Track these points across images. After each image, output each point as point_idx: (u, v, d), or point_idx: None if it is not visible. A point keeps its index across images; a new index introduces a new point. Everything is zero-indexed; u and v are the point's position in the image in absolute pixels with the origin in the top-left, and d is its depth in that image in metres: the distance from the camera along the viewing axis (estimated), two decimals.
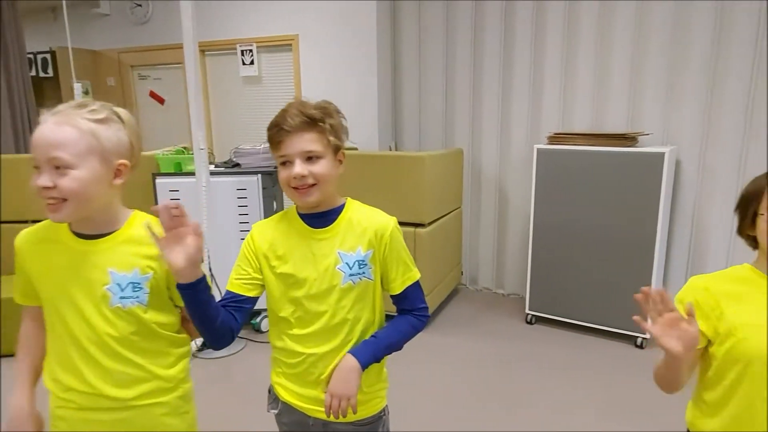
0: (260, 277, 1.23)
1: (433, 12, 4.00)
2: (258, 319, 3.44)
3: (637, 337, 3.23)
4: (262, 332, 3.41)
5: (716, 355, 1.11)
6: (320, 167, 1.16)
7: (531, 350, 3.25)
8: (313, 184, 1.16)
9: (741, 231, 1.15)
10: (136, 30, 4.94)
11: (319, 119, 1.15)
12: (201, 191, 3.08)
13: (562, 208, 3.31)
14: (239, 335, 3.29)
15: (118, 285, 1.09)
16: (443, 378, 2.92)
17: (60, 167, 1.01)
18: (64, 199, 1.02)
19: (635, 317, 1.05)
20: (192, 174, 3.15)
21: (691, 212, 3.39)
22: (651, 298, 1.01)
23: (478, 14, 3.85)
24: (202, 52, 4.65)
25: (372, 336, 1.25)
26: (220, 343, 1.19)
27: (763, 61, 3.04)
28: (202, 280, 1.08)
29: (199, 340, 3.09)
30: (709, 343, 1.13)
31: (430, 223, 3.42)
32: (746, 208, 1.12)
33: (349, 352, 1.21)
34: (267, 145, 1.23)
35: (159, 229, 1.04)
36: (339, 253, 1.20)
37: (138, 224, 1.14)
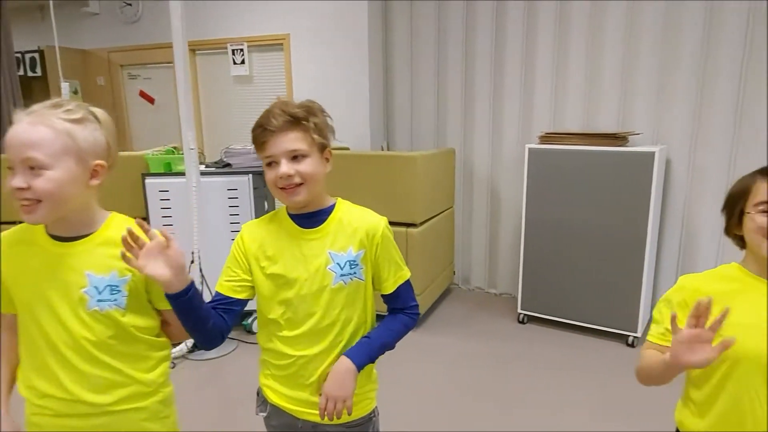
0: (249, 278, 1.23)
1: (425, 12, 3.99)
2: (249, 320, 3.42)
3: (629, 335, 3.24)
4: (253, 333, 3.39)
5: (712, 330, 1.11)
6: (306, 166, 1.15)
7: (523, 350, 3.25)
8: (300, 183, 1.15)
9: (728, 231, 1.16)
10: (125, 29, 4.90)
11: (303, 118, 1.15)
12: (191, 191, 3.06)
13: (554, 208, 3.32)
14: (231, 336, 3.30)
15: (96, 288, 1.08)
16: (435, 378, 2.92)
17: (34, 168, 0.99)
18: (39, 201, 1.00)
19: (673, 312, 1.03)
20: (182, 174, 3.12)
21: (681, 211, 3.41)
22: (698, 309, 0.99)
23: (470, 14, 3.85)
24: (193, 51, 4.62)
25: (365, 336, 1.25)
26: (210, 345, 1.20)
27: (752, 62, 3.06)
28: (191, 286, 1.07)
29: (190, 342, 3.07)
30: None
31: (422, 223, 3.42)
32: (733, 207, 1.12)
33: (343, 354, 1.20)
34: None
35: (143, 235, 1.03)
36: (330, 253, 1.19)
37: (116, 226, 1.13)
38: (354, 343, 1.23)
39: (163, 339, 1.21)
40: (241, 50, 4.40)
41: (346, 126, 4.10)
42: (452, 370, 3.02)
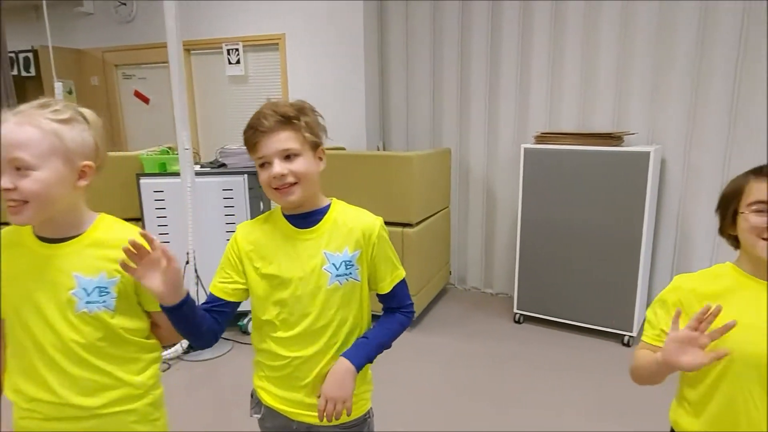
0: (243, 280, 1.23)
1: (421, 12, 3.99)
2: (245, 321, 3.41)
3: (624, 335, 3.25)
4: (248, 334, 3.38)
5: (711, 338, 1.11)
6: (299, 165, 1.15)
7: (519, 349, 3.25)
8: (294, 183, 1.15)
9: (722, 231, 1.16)
10: (120, 29, 4.88)
11: (294, 117, 1.14)
12: (186, 192, 3.05)
13: (550, 208, 3.32)
14: (226, 337, 3.29)
15: (84, 289, 1.07)
16: (431, 378, 2.92)
17: (21, 168, 0.98)
18: (26, 201, 0.99)
19: (678, 308, 1.04)
20: (177, 174, 3.11)
21: (677, 210, 3.42)
22: (712, 312, 1.00)
23: (465, 14, 3.85)
24: (188, 51, 4.60)
25: (362, 337, 1.25)
26: (204, 347, 1.23)
27: (747, 62, 3.07)
28: (186, 300, 1.07)
29: (185, 343, 3.06)
30: None
31: (418, 223, 3.42)
32: (727, 207, 1.13)
33: (342, 355, 1.20)
34: None
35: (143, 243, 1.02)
36: (325, 253, 1.19)
37: (104, 227, 1.12)
38: (349, 344, 1.23)
39: (153, 341, 1.20)
40: (237, 50, 4.39)
41: (341, 126, 4.10)
42: (448, 370, 3.02)
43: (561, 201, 3.27)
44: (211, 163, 3.51)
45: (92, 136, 1.08)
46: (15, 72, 4.88)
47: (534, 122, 3.74)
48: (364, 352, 1.22)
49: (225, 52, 4.43)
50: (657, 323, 1.17)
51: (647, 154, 2.99)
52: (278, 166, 1.13)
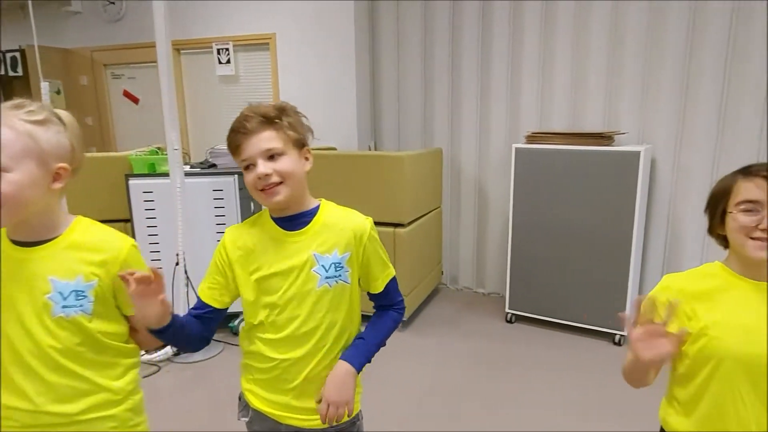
0: (231, 285, 1.23)
1: (411, 12, 3.98)
2: (236, 322, 3.39)
3: (615, 334, 3.26)
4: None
5: (688, 353, 1.11)
6: (283, 164, 1.14)
7: (511, 349, 3.25)
8: (279, 182, 1.14)
9: (711, 230, 1.16)
10: (109, 28, 4.84)
11: (275, 116, 1.14)
12: (175, 192, 3.02)
13: (541, 207, 3.33)
14: (217, 339, 3.26)
15: (60, 294, 1.04)
16: (423, 378, 2.91)
17: None
18: None
19: (621, 313, 1.05)
20: (166, 175, 3.08)
21: (667, 210, 3.43)
22: (641, 305, 1.01)
23: (456, 14, 3.85)
24: (177, 50, 4.57)
25: (359, 338, 1.25)
26: (196, 349, 1.29)
27: (735, 62, 3.09)
28: (174, 320, 1.10)
29: None
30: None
31: (409, 223, 3.41)
32: (715, 207, 1.12)
33: (340, 357, 1.21)
34: None
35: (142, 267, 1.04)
36: (314, 255, 1.18)
37: (81, 230, 1.10)
38: (339, 347, 1.22)
39: (132, 345, 1.18)
40: (227, 50, 4.36)
41: (332, 126, 4.09)
42: (440, 370, 3.01)
43: (552, 201, 3.28)
44: (201, 163, 3.48)
45: (68, 138, 1.05)
46: (2, 72, 4.83)
47: (525, 122, 3.75)
48: (362, 353, 1.23)
49: (215, 52, 4.41)
50: None
51: (637, 153, 3.00)
52: (262, 166, 1.12)
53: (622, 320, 1.05)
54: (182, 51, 4.63)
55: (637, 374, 1.11)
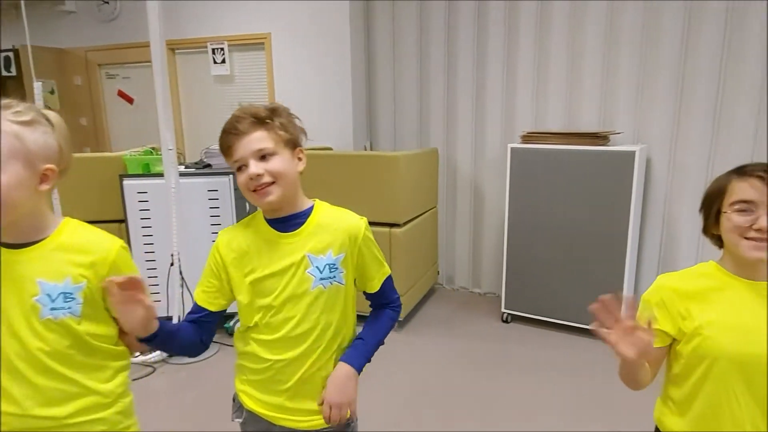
0: (226, 288, 1.22)
1: (407, 12, 3.98)
2: (231, 323, 3.37)
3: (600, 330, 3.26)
4: None
5: (683, 352, 1.11)
6: (275, 164, 1.13)
7: (507, 349, 3.25)
8: (272, 182, 1.13)
9: (706, 230, 1.16)
10: (103, 28, 4.82)
11: (266, 117, 1.14)
12: (170, 193, 3.01)
13: (537, 207, 3.33)
14: (213, 340, 3.24)
15: (48, 296, 1.03)
16: (419, 378, 2.90)
17: None
18: None
19: (592, 326, 1.05)
20: (161, 175, 3.07)
21: (662, 209, 3.44)
22: (607, 306, 1.02)
23: (452, 15, 3.84)
24: (172, 50, 4.56)
25: (358, 338, 1.26)
26: (194, 355, 1.27)
27: (730, 62, 3.10)
28: (161, 329, 1.09)
29: None
30: (674, 341, 1.13)
31: (405, 223, 3.40)
32: (710, 207, 1.13)
33: (341, 359, 1.22)
34: None
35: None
36: (308, 256, 1.17)
37: (69, 231, 1.09)
38: (333, 348, 1.22)
39: (122, 348, 1.17)
40: (222, 49, 4.35)
41: (328, 126, 4.08)
42: (436, 370, 3.01)
43: (548, 200, 3.28)
44: (196, 163, 3.47)
45: (55, 139, 1.05)
46: None
47: (520, 122, 3.75)
48: (362, 353, 1.24)
49: (210, 52, 4.39)
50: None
51: (632, 153, 3.01)
52: (254, 167, 1.12)
53: (596, 314, 1.04)
54: (177, 51, 4.61)
55: (632, 374, 1.11)
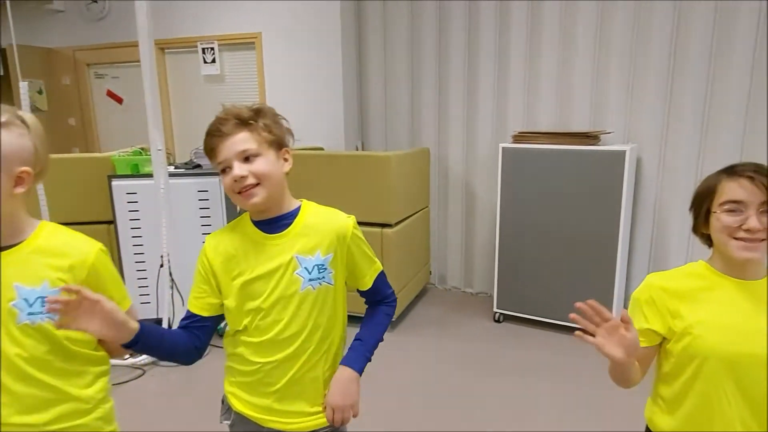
0: (217, 293, 1.21)
1: (398, 12, 3.97)
2: (223, 325, 3.35)
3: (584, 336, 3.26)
4: None
5: (673, 351, 1.11)
6: (259, 165, 1.12)
7: (499, 348, 3.26)
8: (256, 184, 1.12)
9: (696, 229, 1.16)
10: (92, 27, 4.77)
11: (249, 118, 1.13)
12: (159, 193, 2.98)
13: (528, 206, 3.33)
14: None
15: (26, 300, 1.01)
16: (411, 378, 2.90)
17: None
18: None
19: (575, 333, 1.05)
20: (150, 176, 3.04)
21: (652, 208, 3.46)
22: (585, 312, 1.02)
23: (443, 15, 3.84)
24: (162, 50, 4.52)
25: (357, 339, 1.27)
26: (188, 362, 1.23)
27: (719, 63, 3.11)
28: (141, 334, 1.06)
29: None
30: (664, 340, 1.13)
31: (397, 223, 3.40)
32: (700, 206, 1.13)
33: (341, 363, 1.23)
34: None
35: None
36: (297, 257, 1.16)
37: (46, 234, 1.07)
38: (322, 350, 1.21)
39: (102, 353, 1.16)
40: (212, 49, 4.32)
41: (319, 126, 4.07)
42: (428, 370, 3.00)
43: (539, 200, 3.29)
44: (185, 164, 3.44)
45: (31, 141, 1.03)
46: None
47: (512, 122, 3.75)
48: (362, 354, 1.24)
49: (200, 51, 4.36)
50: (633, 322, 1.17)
51: (623, 152, 3.02)
52: (237, 168, 1.11)
53: (577, 321, 1.04)
54: (167, 50, 4.58)
55: (622, 373, 1.11)
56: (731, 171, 1.07)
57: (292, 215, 1.20)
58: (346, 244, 1.20)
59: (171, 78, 4.66)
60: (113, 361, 2.99)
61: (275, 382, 1.19)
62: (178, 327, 1.23)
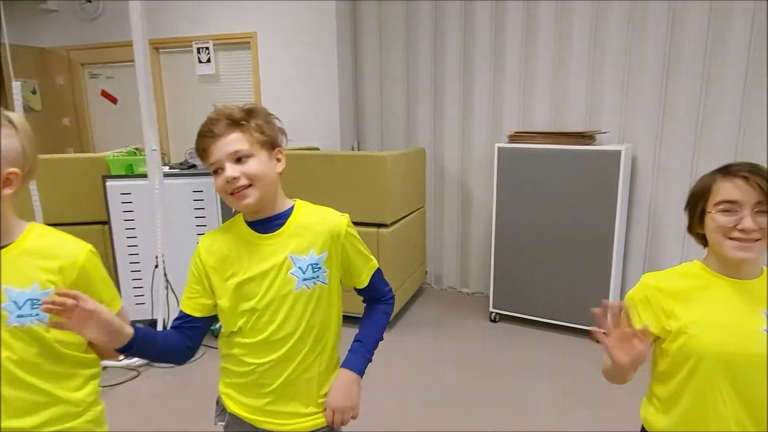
0: (210, 294, 1.21)
1: (394, 12, 3.97)
2: (217, 325, 3.34)
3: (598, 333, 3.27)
4: None
5: (668, 351, 1.11)
6: (251, 166, 1.12)
7: (495, 348, 3.26)
8: (249, 185, 1.12)
9: (691, 229, 1.16)
10: (86, 27, 4.75)
11: (241, 118, 1.12)
12: (154, 194, 2.97)
13: (524, 206, 3.34)
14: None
15: (15, 303, 1.00)
16: (407, 378, 2.90)
17: None
18: None
19: (591, 329, 1.05)
20: (145, 176, 3.03)
21: (648, 207, 3.47)
22: (611, 310, 1.02)
23: (438, 14, 3.84)
24: (156, 49, 4.50)
25: (356, 341, 1.27)
26: (180, 362, 1.25)
27: (713, 62, 3.12)
28: (134, 341, 1.06)
29: None
30: (659, 339, 1.13)
31: (393, 223, 3.39)
32: (695, 206, 1.13)
33: (342, 366, 1.24)
34: None
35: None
36: (290, 257, 1.16)
37: (35, 236, 1.06)
38: (317, 351, 1.21)
39: (92, 356, 1.15)
40: (207, 49, 4.31)
41: (315, 126, 4.06)
42: (424, 369, 3.00)
43: (535, 199, 3.29)
44: (180, 164, 3.43)
45: (19, 141, 1.02)
46: None
47: (508, 122, 3.76)
48: (362, 356, 1.25)
49: (195, 51, 4.35)
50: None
51: (618, 152, 3.02)
52: (230, 170, 1.10)
53: (596, 317, 1.05)
54: (161, 50, 4.56)
55: (618, 376, 1.12)
56: (726, 171, 1.07)
57: (286, 215, 1.19)
58: (340, 242, 1.20)
59: (166, 78, 4.64)
60: (108, 363, 2.99)
61: (270, 383, 1.18)
62: (171, 327, 1.23)
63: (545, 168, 3.22)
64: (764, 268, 1.12)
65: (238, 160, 1.11)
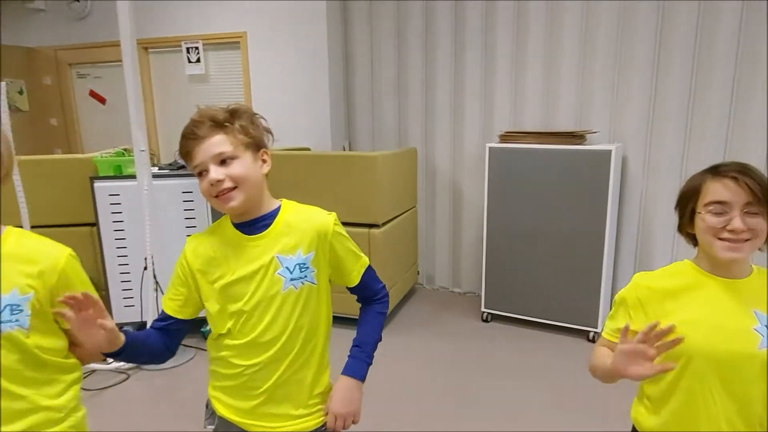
0: (195, 295, 1.20)
1: (384, 11, 3.96)
2: (207, 327, 3.31)
3: (589, 331, 3.29)
4: None
5: (659, 350, 1.11)
6: (236, 168, 1.10)
7: (487, 348, 3.26)
8: (234, 187, 1.10)
9: (681, 229, 1.16)
10: (74, 26, 4.69)
11: (225, 120, 1.11)
12: (143, 195, 2.94)
13: (515, 206, 3.34)
14: (189, 345, 3.19)
15: None
16: (399, 378, 2.89)
17: None
18: None
19: (626, 324, 1.03)
20: (133, 177, 3.00)
21: (638, 207, 3.48)
22: (655, 333, 0.99)
23: (429, 15, 3.84)
24: (145, 49, 4.46)
25: (355, 345, 1.26)
26: (159, 363, 1.26)
27: (702, 62, 3.14)
28: (126, 344, 1.07)
29: None
30: None
31: (384, 224, 3.38)
32: (685, 206, 1.13)
33: (342, 373, 1.24)
34: None
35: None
36: (278, 257, 1.15)
37: (13, 240, 1.04)
38: (306, 352, 1.20)
39: (73, 361, 1.13)
40: (196, 48, 4.27)
41: (306, 126, 4.04)
42: (417, 369, 3.00)
43: (526, 199, 3.30)
44: (169, 164, 3.40)
45: None
46: None
47: (499, 121, 3.76)
48: (362, 361, 1.25)
49: (184, 51, 4.31)
50: (616, 321, 1.17)
51: (609, 152, 3.04)
52: (214, 172, 1.09)
53: (624, 335, 1.02)
54: (150, 50, 4.52)
55: (609, 378, 1.12)
56: (715, 171, 1.07)
57: (272, 215, 1.18)
58: (327, 241, 1.19)
59: (155, 78, 4.60)
60: (97, 366, 2.95)
61: (259, 385, 1.17)
62: (153, 327, 1.22)
63: (536, 168, 3.23)
64: (754, 267, 1.12)
65: (223, 162, 1.10)
